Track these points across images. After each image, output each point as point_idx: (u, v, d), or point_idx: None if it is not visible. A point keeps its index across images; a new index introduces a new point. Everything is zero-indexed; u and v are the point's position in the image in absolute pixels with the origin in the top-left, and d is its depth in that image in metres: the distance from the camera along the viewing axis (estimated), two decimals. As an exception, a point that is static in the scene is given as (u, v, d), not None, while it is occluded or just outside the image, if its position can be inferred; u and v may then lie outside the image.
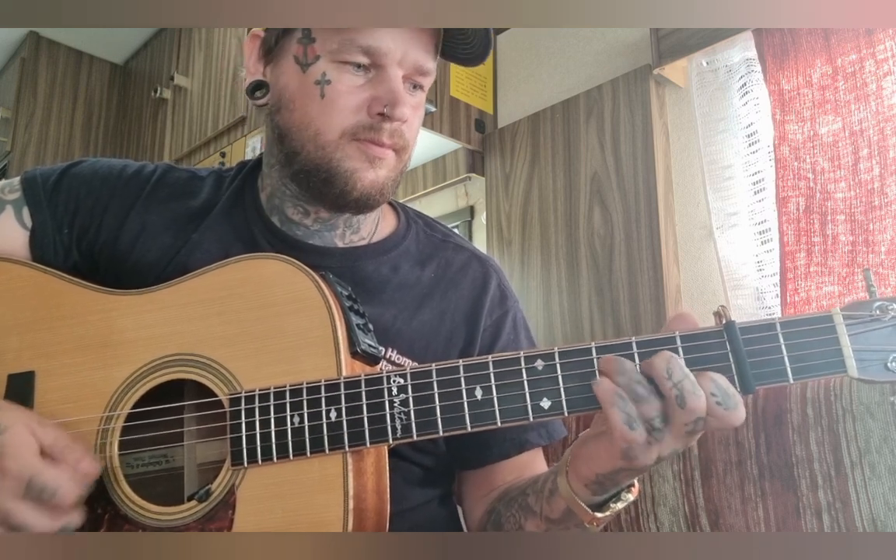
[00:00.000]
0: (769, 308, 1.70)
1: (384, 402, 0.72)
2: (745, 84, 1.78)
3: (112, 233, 0.94)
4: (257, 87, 0.91)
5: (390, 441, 0.72)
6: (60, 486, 0.71)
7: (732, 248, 1.77)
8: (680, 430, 0.66)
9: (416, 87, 0.90)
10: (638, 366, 0.67)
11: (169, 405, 0.80)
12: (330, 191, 0.88)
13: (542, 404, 0.69)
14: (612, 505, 0.74)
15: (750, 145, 1.77)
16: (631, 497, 0.75)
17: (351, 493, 0.71)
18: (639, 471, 0.70)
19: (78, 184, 0.95)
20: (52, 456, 0.73)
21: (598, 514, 0.74)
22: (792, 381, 0.66)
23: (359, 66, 0.85)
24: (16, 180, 0.96)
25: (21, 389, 0.81)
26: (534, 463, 0.98)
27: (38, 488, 0.70)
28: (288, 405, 0.74)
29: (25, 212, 0.93)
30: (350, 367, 0.76)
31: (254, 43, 0.93)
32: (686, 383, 0.64)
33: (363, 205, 0.89)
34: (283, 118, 0.89)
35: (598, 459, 0.71)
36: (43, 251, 0.92)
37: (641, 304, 1.85)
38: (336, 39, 0.84)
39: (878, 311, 0.65)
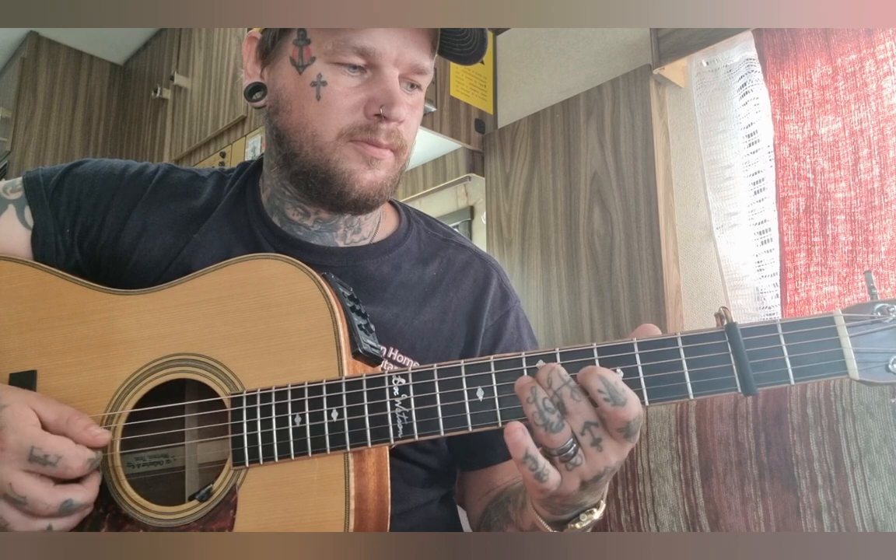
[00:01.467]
0: (769, 308, 1.70)
1: (386, 402, 0.72)
2: (745, 84, 1.78)
3: (113, 233, 0.94)
4: (255, 89, 0.92)
5: (392, 441, 0.72)
6: (64, 453, 0.72)
7: (732, 248, 1.77)
8: (583, 441, 0.66)
9: (414, 86, 0.90)
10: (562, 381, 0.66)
11: (170, 405, 0.80)
12: (328, 192, 0.88)
13: (543, 405, 0.69)
14: (571, 525, 0.74)
15: (750, 145, 1.77)
16: (595, 516, 0.74)
17: (352, 493, 0.72)
18: (574, 495, 0.69)
19: (80, 184, 0.96)
20: (57, 429, 0.74)
21: (559, 532, 0.74)
22: (793, 382, 0.66)
23: (354, 67, 0.85)
24: (18, 180, 0.96)
25: (22, 388, 0.81)
26: None
27: (41, 457, 0.71)
28: (289, 405, 0.74)
29: (27, 211, 0.93)
30: (351, 368, 0.76)
31: (251, 45, 0.93)
32: (564, 389, 0.65)
33: (362, 205, 0.89)
34: (281, 120, 0.89)
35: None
36: (44, 251, 0.92)
37: (641, 304, 1.86)
38: (331, 41, 0.84)
39: (879, 313, 0.65)
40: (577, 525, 0.73)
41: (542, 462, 0.65)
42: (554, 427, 0.65)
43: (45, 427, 0.74)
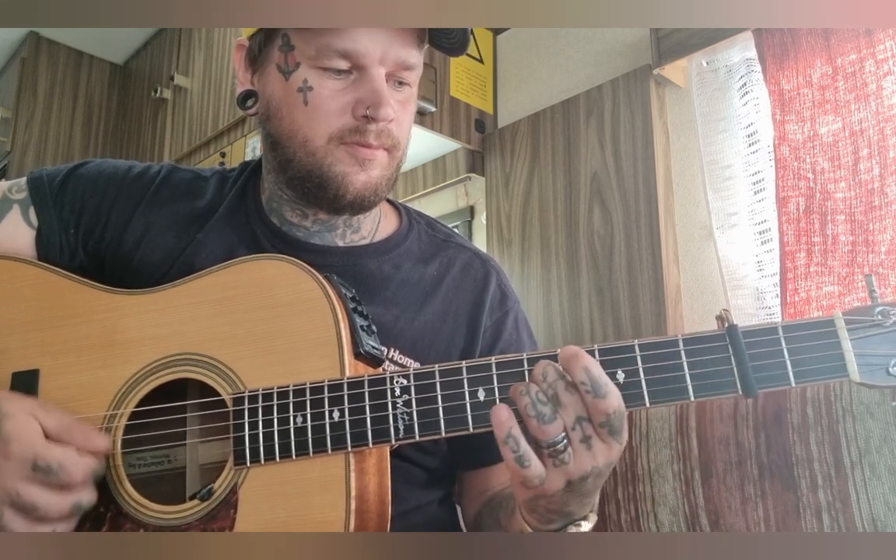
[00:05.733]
0: (769, 308, 1.70)
1: (387, 402, 0.72)
2: (745, 84, 1.78)
3: (117, 232, 0.94)
4: (247, 97, 0.92)
5: (393, 441, 0.72)
6: (66, 462, 0.72)
7: (732, 248, 1.77)
8: (573, 436, 0.66)
9: (403, 82, 0.89)
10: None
11: (172, 404, 0.80)
12: (324, 195, 0.88)
13: (545, 406, 0.69)
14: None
15: (750, 145, 1.77)
16: (584, 528, 0.73)
17: (353, 493, 0.72)
18: (560, 498, 0.69)
19: (84, 184, 0.96)
20: (58, 438, 0.74)
21: (558, 533, 0.73)
22: (794, 385, 0.66)
23: (339, 70, 0.85)
24: (22, 180, 0.97)
25: (25, 387, 0.81)
26: None
27: (45, 467, 0.71)
28: (291, 405, 0.74)
29: (32, 211, 0.94)
30: (353, 369, 0.76)
31: (240, 53, 0.93)
32: (559, 383, 0.65)
33: (358, 206, 0.89)
34: (273, 127, 0.89)
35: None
36: (49, 251, 0.93)
37: (641, 304, 1.86)
38: (314, 45, 0.84)
39: (879, 316, 0.66)
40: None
41: (524, 445, 0.65)
42: (546, 418, 0.65)
43: (46, 435, 0.74)
